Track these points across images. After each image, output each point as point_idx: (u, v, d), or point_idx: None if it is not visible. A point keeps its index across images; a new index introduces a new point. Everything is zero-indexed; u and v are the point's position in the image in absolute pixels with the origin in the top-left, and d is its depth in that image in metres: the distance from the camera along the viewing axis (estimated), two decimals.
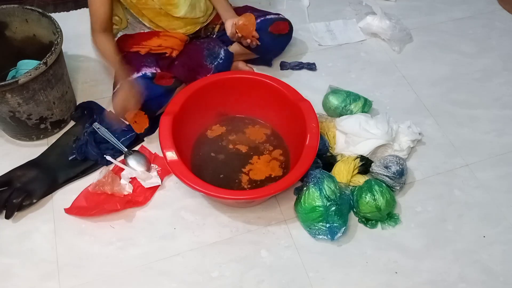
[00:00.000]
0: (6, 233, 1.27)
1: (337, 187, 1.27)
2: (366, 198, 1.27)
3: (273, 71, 1.66)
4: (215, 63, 1.48)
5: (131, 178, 1.35)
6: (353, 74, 1.70)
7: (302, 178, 1.28)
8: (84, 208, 1.29)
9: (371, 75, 1.70)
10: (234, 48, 1.56)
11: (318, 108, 1.53)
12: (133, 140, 1.43)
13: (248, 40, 1.43)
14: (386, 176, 1.32)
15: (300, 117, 1.31)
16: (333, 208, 1.23)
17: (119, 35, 1.57)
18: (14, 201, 1.27)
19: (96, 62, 1.68)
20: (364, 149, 1.38)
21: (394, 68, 1.73)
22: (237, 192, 1.28)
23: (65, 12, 1.87)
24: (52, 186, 1.34)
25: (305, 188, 1.27)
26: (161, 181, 1.36)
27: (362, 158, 1.36)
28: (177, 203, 1.34)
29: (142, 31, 1.53)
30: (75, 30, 1.70)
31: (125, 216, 1.30)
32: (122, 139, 1.42)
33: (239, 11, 1.55)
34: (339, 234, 1.24)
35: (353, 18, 1.90)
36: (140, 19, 1.49)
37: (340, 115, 1.49)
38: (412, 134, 1.43)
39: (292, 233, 1.29)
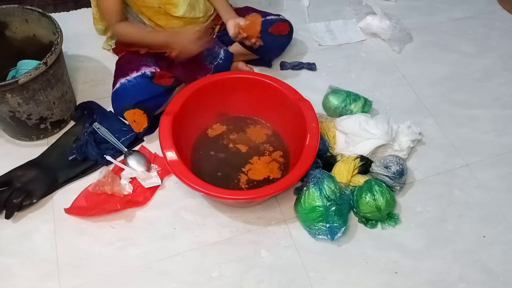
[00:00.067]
0: (6, 233, 1.27)
1: (337, 187, 1.27)
2: (366, 198, 1.27)
3: (273, 71, 1.66)
4: (215, 63, 1.48)
5: (131, 178, 1.35)
6: (353, 74, 1.70)
7: (302, 178, 1.28)
8: (84, 208, 1.29)
9: (371, 75, 1.70)
10: (234, 48, 1.56)
11: (318, 108, 1.53)
12: (133, 140, 1.43)
13: (253, 40, 1.42)
14: (386, 176, 1.32)
15: (300, 117, 1.31)
16: (333, 208, 1.23)
17: None
18: (14, 201, 1.27)
19: (96, 62, 1.68)
20: (364, 149, 1.38)
21: (394, 68, 1.73)
22: (237, 192, 1.28)
23: (65, 12, 1.87)
24: (52, 186, 1.34)
25: (305, 188, 1.27)
26: (161, 181, 1.36)
27: (362, 158, 1.36)
28: (177, 203, 1.34)
29: None
30: (75, 30, 1.71)
31: (125, 216, 1.30)
32: (122, 139, 1.42)
33: (239, 11, 1.55)
34: (339, 234, 1.24)
35: (353, 18, 1.90)
36: (140, 17, 1.49)
37: (340, 115, 1.50)
38: (412, 134, 1.43)
39: (292, 233, 1.29)
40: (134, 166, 1.36)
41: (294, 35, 1.66)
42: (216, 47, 1.52)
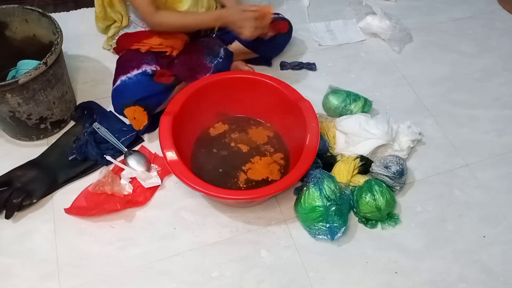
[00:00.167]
0: (6, 233, 1.27)
1: (337, 187, 1.27)
2: (366, 198, 1.27)
3: (273, 71, 1.66)
4: (215, 62, 1.48)
5: (131, 178, 1.35)
6: (353, 74, 1.70)
7: (302, 178, 1.28)
8: (84, 208, 1.29)
9: (371, 75, 1.70)
10: (234, 47, 1.56)
11: (318, 108, 1.53)
12: (133, 140, 1.43)
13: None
14: (386, 176, 1.32)
15: (300, 117, 1.31)
16: (333, 208, 1.23)
17: (120, 34, 1.57)
18: (14, 201, 1.27)
19: (96, 62, 1.68)
20: (364, 149, 1.38)
21: (394, 68, 1.73)
22: (237, 192, 1.28)
23: (65, 12, 1.87)
24: (52, 186, 1.34)
25: (305, 188, 1.27)
26: (161, 181, 1.36)
27: (362, 158, 1.36)
28: (177, 203, 1.34)
29: (143, 29, 1.53)
30: (75, 30, 1.71)
31: (125, 216, 1.30)
32: (122, 139, 1.42)
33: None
34: (339, 234, 1.24)
35: (353, 18, 1.90)
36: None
37: (340, 115, 1.50)
38: (412, 134, 1.43)
39: (292, 233, 1.29)
40: (134, 166, 1.36)
41: (294, 35, 1.66)
42: (216, 46, 1.52)
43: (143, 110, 1.37)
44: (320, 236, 1.26)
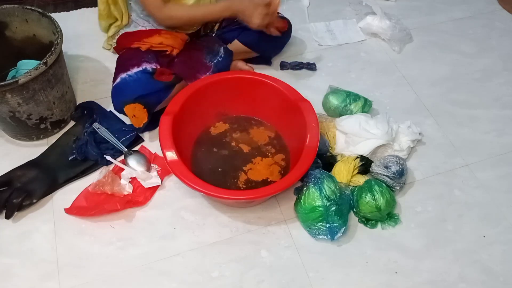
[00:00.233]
0: (6, 233, 1.27)
1: (337, 187, 1.27)
2: (366, 198, 1.27)
3: (273, 71, 1.66)
4: (215, 61, 1.48)
5: (131, 178, 1.35)
6: (353, 74, 1.70)
7: (302, 178, 1.28)
8: (84, 208, 1.29)
9: (371, 75, 1.70)
10: (234, 46, 1.56)
11: (318, 108, 1.53)
12: (133, 140, 1.43)
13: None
14: (386, 176, 1.32)
15: (300, 117, 1.31)
16: (333, 208, 1.23)
17: (120, 33, 1.57)
18: (14, 201, 1.27)
19: (96, 62, 1.68)
20: (364, 149, 1.38)
21: (394, 68, 1.73)
22: (238, 192, 1.28)
23: (65, 12, 1.87)
24: (52, 186, 1.34)
25: (305, 188, 1.27)
26: (161, 181, 1.36)
27: (362, 158, 1.36)
28: (177, 203, 1.34)
29: (143, 29, 1.53)
30: (75, 30, 1.71)
31: (125, 216, 1.30)
32: (122, 139, 1.42)
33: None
34: (339, 234, 1.24)
35: (353, 18, 1.90)
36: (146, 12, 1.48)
37: (340, 115, 1.50)
38: (412, 134, 1.43)
39: (292, 233, 1.29)
40: (134, 166, 1.36)
41: (294, 35, 1.66)
42: (216, 45, 1.52)
43: (143, 108, 1.37)
44: (320, 236, 1.26)
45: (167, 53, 1.47)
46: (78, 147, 1.39)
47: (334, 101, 1.51)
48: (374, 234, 1.30)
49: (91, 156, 1.38)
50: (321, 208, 1.23)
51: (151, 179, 1.35)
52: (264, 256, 1.25)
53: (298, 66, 1.69)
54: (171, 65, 1.46)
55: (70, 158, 1.39)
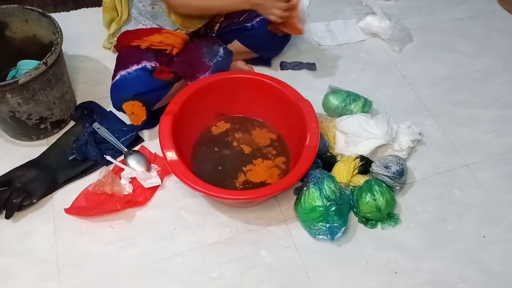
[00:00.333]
0: (6, 233, 1.27)
1: (337, 187, 1.27)
2: (366, 198, 1.27)
3: (273, 71, 1.66)
4: (214, 61, 1.48)
5: (131, 178, 1.35)
6: (353, 74, 1.70)
7: (302, 178, 1.28)
8: (84, 208, 1.29)
9: (371, 75, 1.70)
10: (234, 46, 1.56)
11: (318, 108, 1.53)
12: (133, 140, 1.43)
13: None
14: (386, 176, 1.32)
15: (300, 117, 1.31)
16: (333, 208, 1.23)
17: (121, 31, 1.57)
18: (14, 201, 1.27)
19: (96, 62, 1.68)
20: (364, 149, 1.38)
21: (394, 68, 1.73)
22: (238, 192, 1.28)
23: (65, 12, 1.87)
24: (52, 186, 1.34)
25: (305, 188, 1.27)
26: (161, 181, 1.36)
27: (362, 158, 1.36)
28: (177, 203, 1.34)
29: (144, 27, 1.53)
30: (75, 30, 1.71)
31: (125, 216, 1.30)
32: (122, 139, 1.42)
33: (239, 10, 1.55)
34: (339, 234, 1.24)
35: (353, 18, 1.90)
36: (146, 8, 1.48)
37: (340, 115, 1.50)
38: (412, 134, 1.43)
39: (292, 233, 1.29)
40: (134, 166, 1.36)
41: (294, 35, 1.66)
42: (216, 45, 1.52)
43: (142, 105, 1.37)
44: (320, 236, 1.26)
45: (167, 52, 1.47)
46: (78, 147, 1.39)
47: (334, 101, 1.51)
48: (374, 234, 1.30)
49: (91, 156, 1.38)
50: (321, 208, 1.23)
51: (151, 179, 1.35)
52: (264, 256, 1.25)
53: (298, 66, 1.69)
54: (171, 64, 1.46)
55: (70, 158, 1.39)
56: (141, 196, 1.33)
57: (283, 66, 1.69)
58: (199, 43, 1.53)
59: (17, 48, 1.47)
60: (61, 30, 1.35)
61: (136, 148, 1.44)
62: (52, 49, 1.28)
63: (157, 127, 1.39)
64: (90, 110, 1.50)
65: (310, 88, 1.59)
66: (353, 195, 1.31)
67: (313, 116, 1.30)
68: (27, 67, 1.40)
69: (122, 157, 1.40)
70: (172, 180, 1.38)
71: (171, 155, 1.20)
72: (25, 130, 1.41)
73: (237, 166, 1.37)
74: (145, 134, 1.48)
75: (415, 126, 1.46)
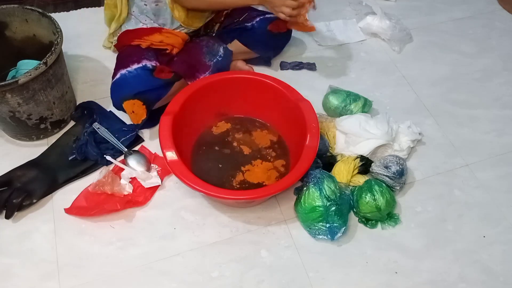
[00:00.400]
0: (6, 233, 1.27)
1: (337, 187, 1.27)
2: (366, 198, 1.27)
3: (273, 71, 1.66)
4: (214, 60, 1.48)
5: (131, 178, 1.35)
6: (353, 74, 1.70)
7: (302, 178, 1.28)
8: (84, 208, 1.29)
9: (371, 75, 1.70)
10: (234, 46, 1.56)
11: (318, 108, 1.53)
12: (133, 140, 1.43)
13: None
14: (386, 176, 1.32)
15: (300, 117, 1.31)
16: (333, 208, 1.23)
17: (122, 30, 1.57)
18: (14, 201, 1.27)
19: (96, 62, 1.68)
20: (364, 149, 1.38)
21: (394, 68, 1.73)
22: (238, 192, 1.28)
23: (65, 12, 1.87)
24: (52, 186, 1.34)
25: (305, 188, 1.27)
26: (161, 181, 1.36)
27: (362, 158, 1.36)
28: (177, 203, 1.34)
29: (144, 26, 1.53)
30: (75, 30, 1.71)
31: (125, 216, 1.30)
32: (122, 139, 1.42)
33: (240, 10, 1.55)
34: (339, 234, 1.24)
35: (353, 18, 1.90)
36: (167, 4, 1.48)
37: (340, 115, 1.50)
38: (412, 134, 1.43)
39: (292, 233, 1.29)
40: (134, 166, 1.36)
41: (294, 35, 1.66)
42: (216, 45, 1.52)
43: (142, 104, 1.37)
44: (320, 236, 1.26)
45: (167, 51, 1.47)
46: (78, 147, 1.39)
47: (334, 101, 1.51)
48: (374, 234, 1.30)
49: (91, 156, 1.38)
50: (321, 208, 1.23)
51: (151, 179, 1.35)
52: (264, 256, 1.25)
53: (298, 66, 1.69)
54: (171, 64, 1.46)
55: (70, 158, 1.39)
56: (141, 196, 1.33)
57: (283, 66, 1.69)
58: (199, 43, 1.53)
59: (17, 48, 1.47)
60: (61, 30, 1.35)
61: (136, 148, 1.44)
62: (52, 49, 1.28)
63: (157, 127, 1.40)
64: (90, 110, 1.50)
65: (310, 88, 1.59)
66: (353, 195, 1.31)
67: (313, 116, 1.30)
68: (27, 67, 1.40)
69: (122, 157, 1.40)
70: (172, 180, 1.38)
71: (171, 155, 1.20)
72: (25, 130, 1.41)
73: (236, 165, 1.37)
74: (145, 134, 1.48)
75: (415, 126, 1.46)
